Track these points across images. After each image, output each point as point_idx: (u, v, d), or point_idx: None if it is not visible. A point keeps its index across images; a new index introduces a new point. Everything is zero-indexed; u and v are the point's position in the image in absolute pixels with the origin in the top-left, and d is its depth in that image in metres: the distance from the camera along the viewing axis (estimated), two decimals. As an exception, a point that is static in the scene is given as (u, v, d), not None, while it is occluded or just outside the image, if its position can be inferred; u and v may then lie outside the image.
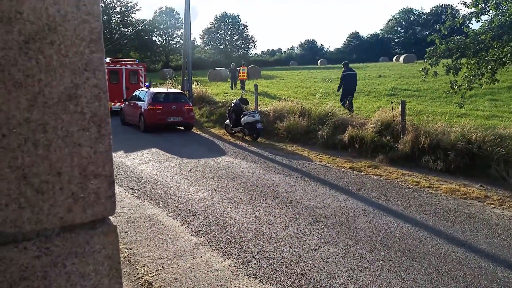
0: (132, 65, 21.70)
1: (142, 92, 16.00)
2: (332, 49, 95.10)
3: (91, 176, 1.00)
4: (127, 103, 16.85)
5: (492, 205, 6.61)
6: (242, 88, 24.36)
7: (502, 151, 8.20)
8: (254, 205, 6.57)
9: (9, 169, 0.89)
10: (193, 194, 7.23)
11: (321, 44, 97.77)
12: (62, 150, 0.95)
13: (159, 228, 5.67)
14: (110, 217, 1.05)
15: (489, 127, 9.63)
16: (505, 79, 17.75)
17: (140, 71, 21.57)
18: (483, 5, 11.24)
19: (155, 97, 15.06)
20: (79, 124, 0.98)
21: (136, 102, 15.79)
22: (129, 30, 63.45)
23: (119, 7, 65.54)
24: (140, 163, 9.84)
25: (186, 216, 6.10)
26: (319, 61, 66.31)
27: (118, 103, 19.53)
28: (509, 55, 11.00)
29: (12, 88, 0.87)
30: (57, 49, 0.93)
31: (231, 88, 25.79)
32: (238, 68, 26.62)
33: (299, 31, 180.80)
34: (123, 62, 21.70)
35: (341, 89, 14.77)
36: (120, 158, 10.44)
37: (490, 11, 11.24)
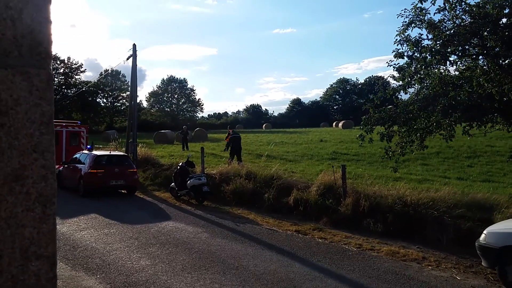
0: (73, 126, 21.11)
1: (83, 155, 15.46)
2: (276, 114, 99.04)
3: (33, 258, 0.98)
4: (66, 166, 16.12)
5: (430, 267, 6.90)
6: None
7: (435, 213, 8.74)
8: (199, 273, 6.36)
9: None
10: (134, 263, 6.87)
11: (266, 109, 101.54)
12: (5, 231, 0.95)
13: (95, 302, 5.27)
14: None
15: (422, 190, 10.27)
16: (433, 145, 19.29)
17: (81, 133, 20.98)
18: (409, 79, 12.41)
19: (97, 160, 14.58)
20: (24, 204, 0.98)
21: (76, 165, 15.17)
22: (72, 91, 62.30)
23: (63, 68, 64.71)
24: (77, 230, 9.27)
25: (126, 287, 5.74)
26: (264, 125, 68.54)
27: (57, 166, 18.62)
28: (434, 124, 12.04)
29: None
30: (7, 131, 0.96)
31: (182, 150, 25.71)
32: (186, 130, 26.99)
33: (244, 97, 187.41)
34: (64, 124, 21.04)
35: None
36: (55, 225, 9.78)
37: (416, 85, 12.42)
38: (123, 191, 15.09)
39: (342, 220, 9.86)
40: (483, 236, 6.37)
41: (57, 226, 9.41)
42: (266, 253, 7.57)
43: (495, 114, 11.00)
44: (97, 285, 5.85)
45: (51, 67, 1.11)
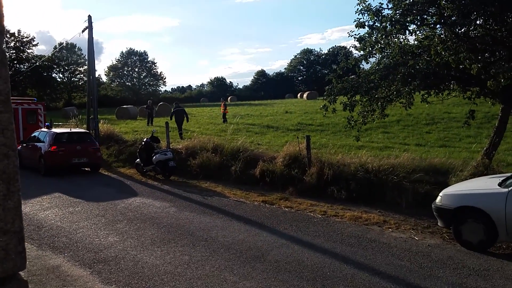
0: (29, 104, 20.17)
1: (42, 133, 14.89)
2: (241, 86, 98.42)
3: (0, 233, 1.00)
4: (24, 145, 15.50)
5: (390, 229, 7.29)
6: (225, 121, 24.81)
7: (395, 178, 9.15)
8: (168, 246, 6.42)
9: None
10: (102, 240, 6.84)
11: (230, 82, 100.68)
12: None
13: (64, 279, 5.24)
14: (21, 273, 1.04)
15: (383, 157, 10.68)
16: (394, 113, 19.89)
17: (39, 110, 20.11)
18: (370, 49, 12.57)
19: (56, 137, 14.10)
20: (-13, 182, 0.98)
21: (36, 143, 14.62)
22: (25, 67, 59.04)
23: (13, 42, 60.95)
24: (41, 209, 9.05)
25: (95, 264, 5.73)
26: (229, 98, 67.96)
27: (14, 145, 17.87)
28: (395, 93, 12.38)
29: None
30: None
31: (147, 125, 25.27)
32: (151, 105, 26.59)
33: (208, 69, 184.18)
34: (19, 101, 20.05)
35: (173, 119, 19.80)
36: (16, 206, 9.49)
37: (377, 55, 12.63)
38: (86, 168, 14.76)
39: (308, 189, 10.13)
40: (439, 198, 6.77)
41: (19, 207, 9.19)
42: (234, 224, 7.71)
43: (452, 82, 11.44)
44: (65, 263, 5.80)
45: (4, 43, 1.08)
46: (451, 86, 11.38)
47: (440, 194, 6.82)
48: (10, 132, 1.03)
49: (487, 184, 6.65)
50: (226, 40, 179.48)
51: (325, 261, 5.71)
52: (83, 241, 6.77)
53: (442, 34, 10.77)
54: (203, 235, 6.98)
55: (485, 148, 10.02)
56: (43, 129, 15.62)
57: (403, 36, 11.43)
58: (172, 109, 21.59)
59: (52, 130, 14.98)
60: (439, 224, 6.85)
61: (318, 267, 5.50)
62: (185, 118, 19.86)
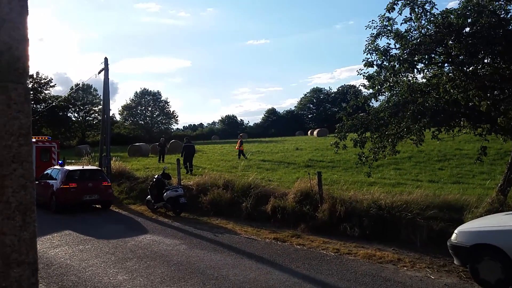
0: (44, 142, 20.58)
1: (55, 170, 15.09)
2: (251, 124, 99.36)
3: (14, 264, 1.00)
4: (37, 182, 15.68)
5: (405, 267, 7.08)
6: (245, 156, 24.89)
7: (408, 215, 8.98)
8: (178, 285, 6.31)
9: None
10: (112, 278, 6.75)
11: (241, 120, 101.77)
12: None
13: (72, 319, 5.15)
14: None
15: (396, 194, 10.53)
16: (405, 150, 19.80)
17: (53, 148, 20.48)
18: (379, 87, 12.69)
19: (69, 175, 14.26)
20: (4, 213, 1.00)
21: (48, 181, 14.78)
22: (42, 107, 60.72)
23: (32, 83, 63.05)
24: (51, 247, 9.02)
25: (103, 303, 5.63)
26: (240, 135, 68.41)
27: (27, 183, 18.09)
28: (405, 129, 12.37)
29: None
30: None
31: (159, 162, 25.49)
32: (164, 142, 27.23)
33: (219, 108, 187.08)
34: (33, 140, 20.47)
35: (183, 155, 19.94)
36: (27, 243, 9.49)
37: (386, 93, 12.74)
38: (97, 206, 14.79)
39: (320, 226, 9.98)
40: (454, 235, 6.60)
41: (30, 244, 9.17)
42: (246, 261, 7.58)
43: (462, 119, 11.42)
44: (74, 302, 5.71)
45: (28, 82, 1.14)
46: (462, 123, 11.35)
47: (455, 231, 6.66)
48: (29, 164, 1.06)
49: (503, 220, 6.48)
50: (238, 79, 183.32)
51: (338, 301, 5.54)
52: (92, 280, 6.69)
53: (450, 72, 10.88)
54: (213, 273, 6.86)
55: (499, 185, 9.84)
56: (55, 167, 15.84)
57: (412, 75, 11.55)
58: (183, 144, 22.42)
59: (64, 167, 15.18)
60: (455, 262, 6.64)
61: (332, 307, 5.33)
62: (193, 154, 20.83)
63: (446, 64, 11.03)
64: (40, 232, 10.29)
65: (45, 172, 15.85)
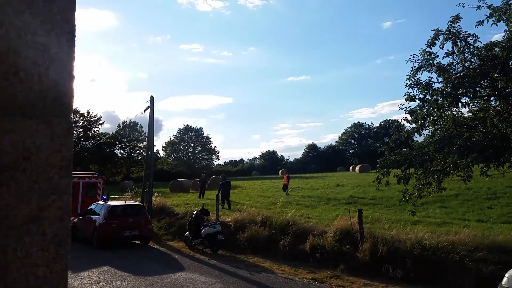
0: (90, 178, 21.47)
1: (98, 206, 15.60)
2: (292, 159, 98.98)
3: (45, 297, 1.03)
4: (80, 217, 16.24)
5: (453, 314, 6.60)
6: (286, 192, 25.01)
7: (455, 257, 8.45)
8: (213, 324, 6.19)
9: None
10: (148, 315, 6.75)
11: (281, 155, 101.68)
12: (20, 271, 1.00)
13: None
14: None
15: (441, 234, 9.99)
16: (452, 187, 18.91)
17: (98, 184, 21.28)
18: (422, 121, 12.36)
19: (111, 210, 14.68)
20: (39, 244, 1.04)
21: (91, 216, 15.27)
22: (90, 143, 63.81)
23: (82, 121, 66.77)
24: (89, 283, 9.20)
25: None
26: (280, 171, 68.26)
27: (72, 218, 18.77)
28: (451, 165, 11.84)
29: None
30: (29, 175, 1.03)
31: (199, 198, 25.80)
32: (205, 178, 27.93)
33: (259, 143, 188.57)
34: (81, 175, 21.44)
35: (219, 192, 19.90)
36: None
37: (429, 127, 12.35)
38: (137, 241, 15.04)
39: (360, 267, 9.58)
40: (505, 279, 6.12)
41: (69, 280, 9.38)
42: (282, 302, 7.36)
43: (512, 155, 10.85)
44: (110, 338, 5.74)
45: (72, 117, 1.21)
46: (512, 158, 10.78)
47: (506, 275, 6.17)
48: (67, 196, 1.11)
49: None
50: (278, 115, 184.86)
51: None
52: (129, 315, 6.72)
53: (497, 106, 10.47)
54: (249, 313, 6.70)
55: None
56: (99, 202, 16.38)
57: (456, 109, 11.21)
58: (220, 182, 23.10)
59: (108, 203, 15.67)
60: (509, 310, 6.12)
61: None
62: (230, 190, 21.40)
63: (492, 98, 10.66)
64: (80, 267, 10.59)
65: (89, 208, 16.40)
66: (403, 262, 8.93)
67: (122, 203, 16.24)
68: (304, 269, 9.98)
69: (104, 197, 18.63)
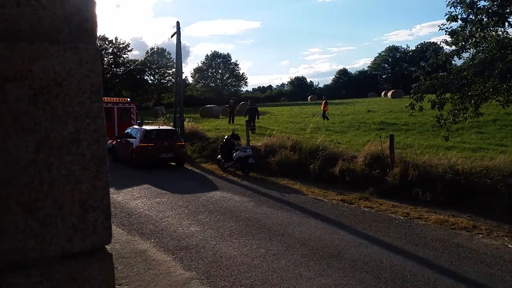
0: (123, 103, 21.97)
1: (134, 130, 16.15)
2: (321, 85, 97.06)
3: (90, 210, 1.11)
4: (119, 140, 16.95)
5: (480, 235, 6.71)
6: (326, 118, 25.16)
7: (488, 182, 8.38)
8: (246, 239, 6.60)
9: (17, 204, 1.01)
10: (185, 229, 7.24)
11: (311, 81, 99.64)
12: (65, 187, 1.08)
13: (150, 263, 5.66)
14: (106, 246, 1.16)
15: (476, 159, 9.84)
16: (490, 112, 18.25)
17: (131, 109, 21.81)
18: (463, 43, 11.66)
19: (146, 134, 15.20)
20: (80, 164, 1.10)
21: (128, 139, 15.90)
22: (121, 70, 64.39)
23: (111, 48, 66.82)
24: (132, 199, 9.84)
25: (177, 251, 6.10)
26: (309, 97, 67.52)
27: (110, 141, 19.65)
28: (491, 90, 11.34)
29: (22, 134, 1.01)
30: (62, 100, 1.07)
31: (229, 123, 26.23)
32: (233, 105, 27.91)
33: (288, 69, 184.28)
34: (114, 101, 21.96)
35: (247, 116, 21.09)
36: (111, 194, 10.40)
37: (471, 49, 11.67)
38: (172, 163, 15.70)
39: (389, 190, 9.71)
40: (540, 204, 6.08)
41: (113, 196, 10.05)
42: (311, 221, 7.68)
43: (556, 79, 10.22)
44: (151, 249, 6.26)
45: (97, 42, 1.21)
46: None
47: (542, 199, 6.12)
48: (100, 120, 1.16)
49: None
50: (308, 39, 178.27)
51: (405, 264, 5.44)
52: (167, 229, 7.23)
53: (547, 25, 9.67)
54: (279, 230, 7.06)
55: None
56: (135, 126, 16.94)
57: (502, 29, 10.49)
58: (247, 107, 23.55)
59: (142, 127, 16.18)
60: (540, 233, 6.15)
61: (398, 269, 5.26)
62: (256, 115, 21.97)
63: (542, 17, 9.81)
64: (121, 186, 11.27)
65: (125, 131, 17.05)
66: (433, 187, 8.96)
67: (156, 127, 16.74)
68: (333, 191, 10.23)
69: (139, 121, 19.20)
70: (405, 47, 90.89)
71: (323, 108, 26.20)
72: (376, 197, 9.55)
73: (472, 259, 5.59)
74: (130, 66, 60.81)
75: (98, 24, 1.20)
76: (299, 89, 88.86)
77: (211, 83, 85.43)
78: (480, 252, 5.87)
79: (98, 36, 1.24)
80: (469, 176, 8.80)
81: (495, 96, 10.92)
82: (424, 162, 9.99)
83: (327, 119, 24.80)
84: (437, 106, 11.35)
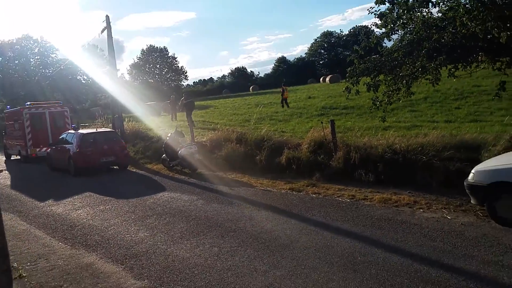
0: (56, 107, 20.66)
1: (70, 135, 15.26)
2: (262, 75, 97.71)
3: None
4: (54, 147, 15.95)
5: (421, 210, 7.08)
6: (287, 106, 24.65)
7: (424, 158, 8.85)
8: (197, 239, 6.46)
9: None
10: (133, 235, 6.96)
11: (251, 71, 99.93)
12: None
13: (97, 276, 5.36)
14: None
15: (411, 137, 10.36)
16: (420, 90, 19.27)
17: (65, 113, 20.58)
18: (392, 25, 12.10)
19: (84, 138, 14.42)
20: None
21: (64, 145, 15.01)
22: (50, 71, 60.59)
23: (37, 48, 62.56)
24: (73, 209, 9.30)
25: (126, 260, 5.83)
26: (251, 88, 67.86)
27: (44, 148, 18.43)
28: (420, 69, 11.93)
29: None
30: None
31: (171, 120, 25.57)
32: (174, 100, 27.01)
33: (228, 60, 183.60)
34: (45, 105, 20.59)
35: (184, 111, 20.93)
36: (50, 206, 9.80)
37: (399, 31, 12.17)
38: (115, 167, 15.06)
39: (335, 174, 9.97)
40: (471, 175, 6.50)
41: (52, 208, 9.46)
42: (262, 213, 7.69)
43: (480, 53, 10.93)
44: (98, 261, 5.93)
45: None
46: (479, 58, 10.88)
47: (472, 171, 6.54)
48: None
49: (523, 157, 6.32)
50: (245, 29, 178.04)
51: (355, 246, 5.60)
52: (114, 238, 6.90)
53: (467, 3, 10.28)
54: (231, 226, 6.99)
55: (518, 120, 9.56)
56: (70, 131, 16.00)
57: (426, 9, 10.99)
58: (183, 102, 22.95)
59: (78, 131, 15.33)
60: (472, 201, 6.59)
61: (349, 252, 5.40)
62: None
63: (462, -5, 10.42)
64: (61, 195, 10.63)
65: (60, 137, 16.06)
66: (375, 167, 9.32)
67: (94, 130, 15.93)
68: (282, 181, 10.33)
69: (74, 125, 18.16)
70: (339, 31, 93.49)
71: (283, 95, 25.82)
72: (323, 182, 9.77)
73: (416, 234, 5.87)
74: (60, 66, 57.33)
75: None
76: (241, 80, 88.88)
77: (150, 79, 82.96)
78: (422, 227, 6.18)
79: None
80: (406, 154, 9.24)
81: (424, 75, 11.46)
82: (364, 144, 10.36)
83: (288, 106, 24.71)
84: (372, 88, 11.75)
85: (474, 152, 8.58)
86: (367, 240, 5.79)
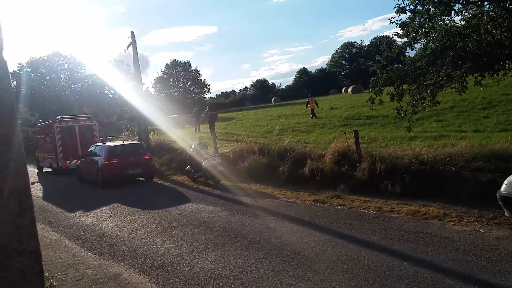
0: (85, 120, 21.28)
1: (98, 147, 15.64)
2: (283, 86, 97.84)
3: (14, 254, 0.93)
4: (83, 159, 16.37)
5: (452, 222, 6.88)
6: (315, 116, 24.26)
7: (453, 168, 8.63)
8: (222, 250, 6.47)
9: None
10: (159, 246, 7.03)
11: (273, 83, 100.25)
12: None
13: (125, 287, 5.43)
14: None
15: (438, 147, 10.13)
16: (446, 100, 18.90)
17: (94, 126, 21.15)
18: (414, 34, 11.97)
19: (111, 150, 14.75)
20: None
21: (93, 158, 15.38)
22: (79, 86, 62.51)
23: (67, 64, 64.77)
24: (101, 220, 9.48)
25: (153, 270, 5.89)
26: (272, 99, 67.98)
27: (74, 161, 18.93)
28: (445, 78, 11.72)
29: None
30: None
31: (195, 132, 25.86)
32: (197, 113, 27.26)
33: (250, 72, 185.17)
34: (75, 119, 21.22)
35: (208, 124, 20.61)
36: (79, 217, 10.02)
37: (422, 40, 12.03)
38: (141, 178, 15.30)
39: (360, 185, 9.83)
40: (504, 186, 6.29)
41: (82, 219, 9.66)
42: (286, 225, 7.64)
43: (507, 61, 10.69)
44: (126, 271, 6.01)
45: (2, 55, 1.06)
46: (507, 65, 10.63)
47: (505, 182, 6.33)
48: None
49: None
50: (265, 41, 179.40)
51: (383, 259, 5.48)
52: (141, 249, 6.99)
53: (491, 11, 10.09)
54: (255, 237, 6.97)
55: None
56: (98, 144, 16.40)
57: (449, 18, 10.85)
58: (208, 114, 23.50)
59: (106, 144, 15.69)
60: (505, 214, 6.37)
61: (376, 266, 5.29)
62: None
63: (485, 3, 10.23)
64: (90, 207, 10.86)
65: (89, 150, 16.48)
66: (401, 178, 9.14)
67: (121, 142, 16.28)
68: (305, 192, 10.26)
69: (102, 137, 18.61)
70: (360, 42, 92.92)
71: (311, 107, 25.30)
72: (348, 193, 9.64)
73: (447, 248, 5.71)
74: (89, 81, 59.05)
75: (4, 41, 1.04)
76: (262, 91, 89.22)
77: (174, 92, 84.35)
78: (454, 240, 6.00)
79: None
80: (434, 164, 9.03)
81: (449, 84, 11.25)
82: (390, 154, 10.19)
83: (316, 117, 24.23)
84: (395, 98, 11.62)
85: (506, 163, 8.30)
86: (396, 254, 5.67)
